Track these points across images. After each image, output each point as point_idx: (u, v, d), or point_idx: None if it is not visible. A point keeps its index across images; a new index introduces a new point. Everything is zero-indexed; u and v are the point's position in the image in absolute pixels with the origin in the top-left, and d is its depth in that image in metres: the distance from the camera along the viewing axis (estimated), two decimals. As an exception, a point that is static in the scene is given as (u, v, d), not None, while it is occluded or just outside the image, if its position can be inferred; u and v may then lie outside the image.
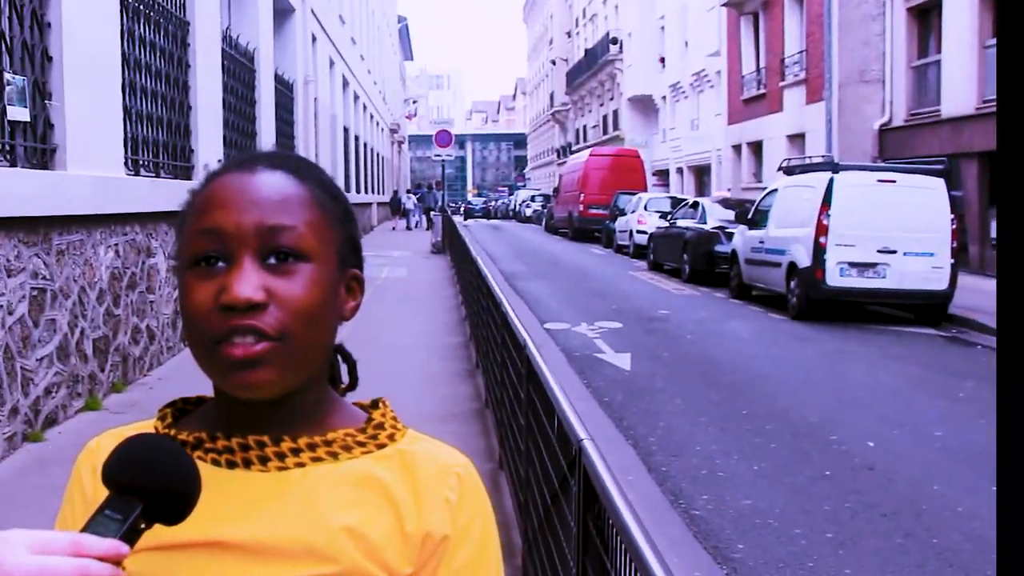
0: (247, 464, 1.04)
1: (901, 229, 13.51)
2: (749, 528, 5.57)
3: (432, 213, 30.29)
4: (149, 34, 9.44)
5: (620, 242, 28.40)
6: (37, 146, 6.96)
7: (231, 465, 1.04)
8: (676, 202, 25.99)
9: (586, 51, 60.03)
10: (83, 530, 0.87)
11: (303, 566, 1.00)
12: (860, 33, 24.26)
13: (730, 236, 17.67)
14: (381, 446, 1.07)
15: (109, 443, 1.03)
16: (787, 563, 5.09)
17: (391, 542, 1.03)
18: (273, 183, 1.03)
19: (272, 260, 1.00)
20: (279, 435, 1.04)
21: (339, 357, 1.16)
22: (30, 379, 6.53)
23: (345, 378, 1.19)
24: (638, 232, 25.98)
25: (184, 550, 1.01)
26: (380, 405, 1.13)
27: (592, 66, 56.73)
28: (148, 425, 1.10)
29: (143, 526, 0.90)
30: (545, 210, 46.13)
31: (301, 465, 1.04)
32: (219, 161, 1.20)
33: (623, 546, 2.04)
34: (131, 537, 0.89)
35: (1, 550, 0.83)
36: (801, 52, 27.62)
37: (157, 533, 0.96)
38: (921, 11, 22.46)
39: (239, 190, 1.02)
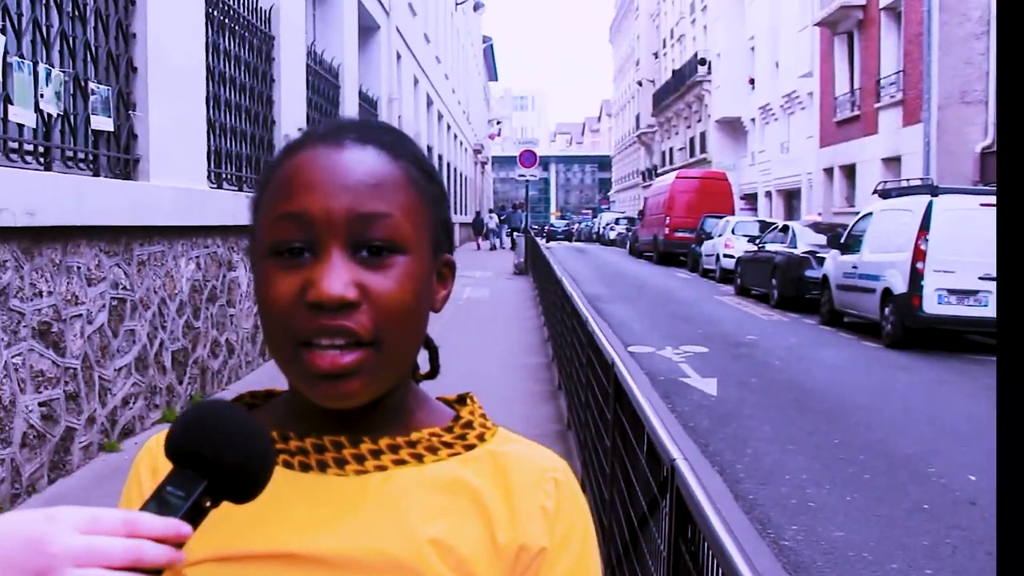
0: (322, 467, 0.94)
1: (1003, 254, 12.98)
2: (842, 561, 5.28)
3: (516, 234, 30.24)
4: (234, 47, 9.49)
5: (706, 266, 28.04)
6: (120, 156, 6.97)
7: (304, 468, 0.95)
8: (764, 226, 25.61)
9: (673, 72, 59.68)
10: (142, 508, 0.77)
11: None
12: (962, 52, 23.60)
13: (821, 261, 17.26)
14: (470, 447, 0.98)
15: None
16: (884, 602, 4.78)
17: (481, 554, 0.93)
18: (365, 162, 0.91)
19: (364, 253, 0.89)
20: (358, 435, 0.95)
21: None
22: (108, 389, 6.51)
23: (424, 366, 1.06)
24: (725, 256, 25.61)
25: (253, 562, 0.91)
26: (468, 401, 1.04)
27: (679, 87, 56.37)
28: None
29: (208, 504, 0.80)
30: (630, 233, 45.90)
31: (382, 468, 0.94)
32: (299, 130, 1.08)
33: (719, 569, 1.89)
34: (194, 516, 0.78)
35: (47, 529, 0.74)
36: (898, 72, 26.97)
37: (223, 542, 0.91)
38: (1024, 30, 21.78)
39: (326, 169, 0.90)
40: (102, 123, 6.61)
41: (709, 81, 50.30)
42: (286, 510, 0.92)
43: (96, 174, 6.60)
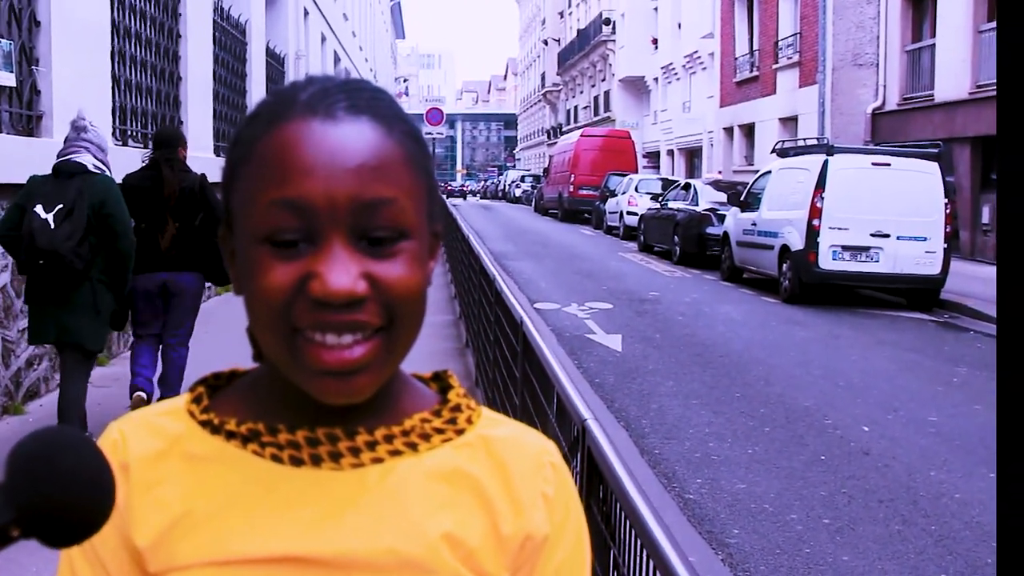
0: (316, 461, 0.88)
1: (895, 213, 13.43)
2: (744, 513, 5.49)
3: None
4: (140, 2, 9.27)
5: (610, 223, 28.34)
6: (23, 112, 6.82)
7: (296, 462, 0.88)
8: (667, 184, 25.95)
9: (578, 31, 59.76)
10: None
11: None
12: (854, 16, 24.16)
13: (722, 218, 17.59)
14: (460, 431, 0.93)
15: (136, 436, 0.90)
16: (784, 549, 5.01)
17: (487, 546, 0.91)
18: (364, 139, 0.83)
19: (366, 242, 0.83)
20: (353, 426, 0.89)
21: None
22: (11, 351, 6.41)
23: None
24: (628, 213, 25.93)
25: (255, 566, 0.86)
26: (449, 381, 0.98)
27: (584, 47, 56.48)
28: (180, 408, 0.92)
29: (16, 534, 0.72)
30: (535, 191, 46.00)
31: (378, 460, 0.89)
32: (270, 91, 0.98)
33: (631, 528, 1.95)
34: (1, 539, 0.72)
35: None
36: (795, 35, 27.49)
37: (217, 545, 0.86)
38: (917, -5, 22.37)
39: (324, 149, 0.82)
40: (3, 78, 6.45)
41: (613, 41, 50.49)
42: (283, 509, 0.87)
43: (-2, 131, 6.46)
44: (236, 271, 0.87)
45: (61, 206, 5.14)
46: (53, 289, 5.22)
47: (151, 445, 0.90)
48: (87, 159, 5.39)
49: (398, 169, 0.84)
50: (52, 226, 5.09)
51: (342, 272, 0.80)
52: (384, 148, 0.84)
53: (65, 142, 5.49)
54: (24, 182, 6.52)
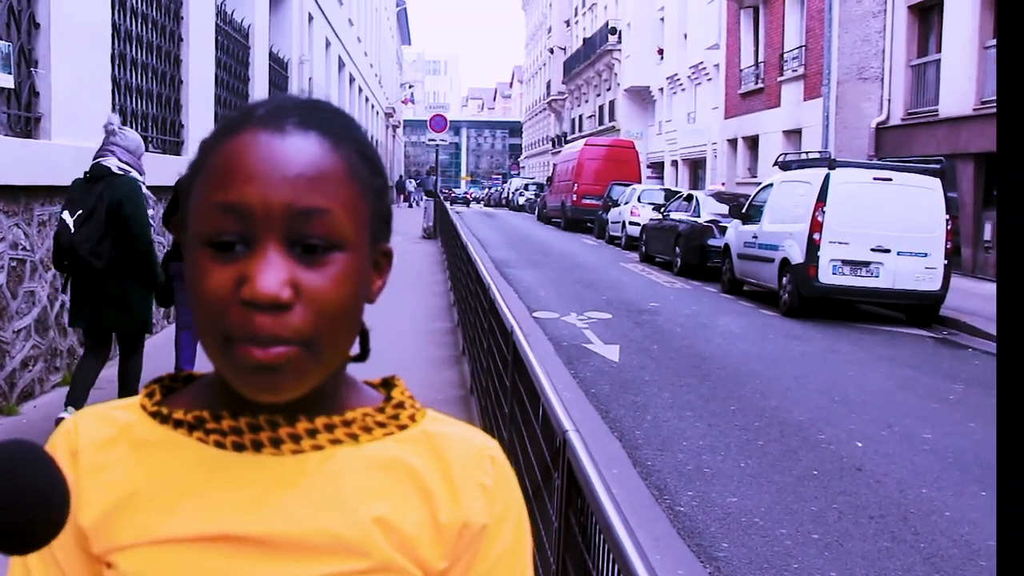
0: (257, 447, 0.92)
1: (896, 228, 13.40)
2: (734, 527, 5.47)
3: (425, 198, 30.17)
4: (141, 5, 9.29)
5: (612, 233, 28.33)
6: (21, 114, 6.83)
7: (238, 448, 0.92)
8: (670, 194, 25.93)
9: (584, 40, 59.79)
10: None
11: (330, 561, 0.90)
12: (860, 30, 24.15)
13: (723, 230, 17.56)
14: (403, 427, 0.97)
15: (88, 425, 0.95)
16: (771, 563, 4.99)
17: (424, 534, 0.93)
18: (306, 151, 0.87)
19: (299, 249, 0.86)
20: (294, 414, 0.92)
21: None
22: (6, 351, 6.41)
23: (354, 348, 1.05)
24: (631, 223, 25.92)
25: (191, 545, 0.89)
26: (395, 383, 1.03)
27: (590, 56, 56.52)
28: (134, 403, 0.97)
29: None
30: (538, 199, 46.01)
31: (319, 448, 0.92)
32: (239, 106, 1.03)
33: (606, 544, 1.96)
34: None
35: None
36: (800, 47, 27.49)
37: (155, 525, 0.89)
38: (922, 9, 22.35)
39: (266, 158, 0.86)
40: (2, 80, 6.46)
41: (619, 50, 50.53)
42: (223, 491, 0.90)
43: (-5, 132, 6.46)
44: (187, 276, 0.91)
45: (82, 211, 5.70)
46: (84, 284, 5.85)
47: (101, 432, 0.94)
48: (112, 162, 5.88)
49: (337, 182, 0.88)
50: (72, 230, 5.68)
51: (271, 275, 0.84)
52: (325, 161, 0.88)
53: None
54: (23, 184, 6.56)
